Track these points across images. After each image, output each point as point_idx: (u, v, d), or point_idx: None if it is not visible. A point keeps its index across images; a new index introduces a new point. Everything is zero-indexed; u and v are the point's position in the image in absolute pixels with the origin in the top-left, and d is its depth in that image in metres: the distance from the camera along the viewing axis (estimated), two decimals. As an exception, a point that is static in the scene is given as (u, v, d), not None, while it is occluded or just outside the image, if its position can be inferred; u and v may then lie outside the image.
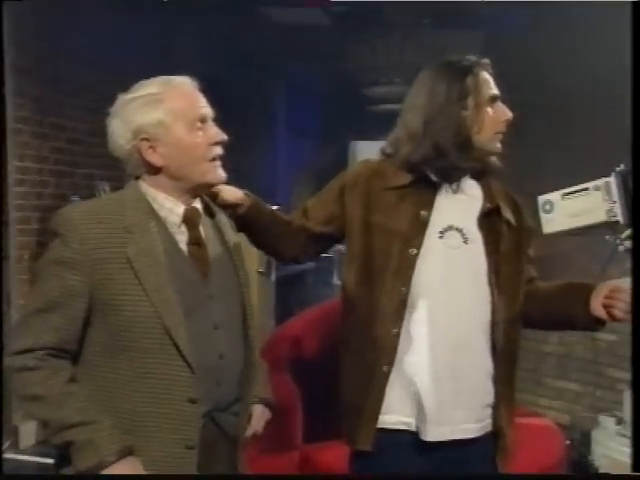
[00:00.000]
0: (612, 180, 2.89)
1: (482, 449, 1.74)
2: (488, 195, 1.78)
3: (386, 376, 1.69)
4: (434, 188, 1.75)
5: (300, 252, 1.91)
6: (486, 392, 1.73)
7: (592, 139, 3.96)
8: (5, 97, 3.77)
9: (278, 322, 4.16)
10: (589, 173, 3.14)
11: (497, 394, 1.74)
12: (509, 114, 1.74)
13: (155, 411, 1.46)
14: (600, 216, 2.98)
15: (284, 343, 2.81)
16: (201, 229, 1.58)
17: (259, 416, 1.72)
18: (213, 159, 1.54)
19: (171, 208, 1.53)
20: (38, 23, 3.99)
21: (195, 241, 1.55)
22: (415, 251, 1.69)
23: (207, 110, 1.54)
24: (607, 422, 3.39)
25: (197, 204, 1.58)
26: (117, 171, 1.63)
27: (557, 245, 3.64)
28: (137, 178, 1.55)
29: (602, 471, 3.21)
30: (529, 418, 3.09)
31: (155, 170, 1.52)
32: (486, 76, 1.75)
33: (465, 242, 1.71)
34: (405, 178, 1.75)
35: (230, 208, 1.73)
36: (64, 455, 1.47)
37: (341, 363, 1.80)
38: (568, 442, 3.32)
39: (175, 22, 5.05)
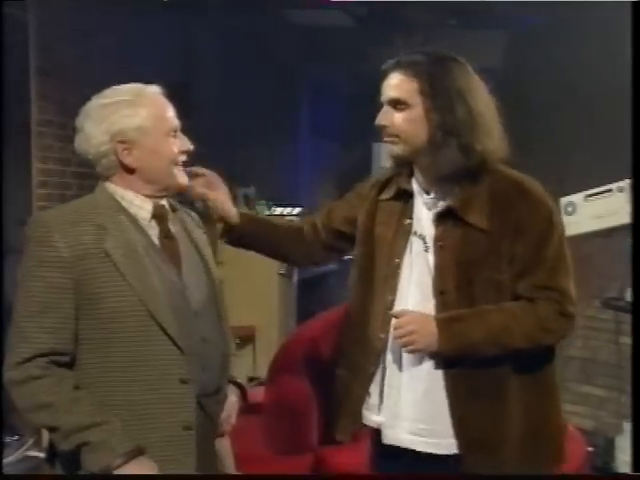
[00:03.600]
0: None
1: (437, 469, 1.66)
2: (456, 197, 1.67)
3: (370, 377, 1.74)
4: (411, 196, 1.75)
5: (315, 255, 1.99)
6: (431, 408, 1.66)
7: (616, 140, 3.89)
8: (31, 100, 3.83)
9: (300, 324, 4.15)
10: (613, 174, 3.09)
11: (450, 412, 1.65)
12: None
13: (150, 397, 1.50)
14: (624, 218, 2.93)
15: (301, 345, 2.81)
16: (169, 224, 1.65)
17: (232, 404, 1.74)
18: (179, 165, 1.64)
19: (140, 205, 1.61)
20: (62, 27, 4.03)
21: (166, 234, 1.63)
22: (398, 260, 1.72)
23: (177, 121, 1.64)
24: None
25: (164, 202, 1.66)
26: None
27: (580, 247, 3.57)
28: (106, 179, 1.61)
29: (626, 478, 3.14)
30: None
31: (129, 171, 1.59)
32: (389, 80, 1.73)
33: (426, 250, 1.70)
34: (392, 190, 1.78)
35: (222, 220, 1.85)
36: (54, 455, 1.50)
37: (338, 360, 1.88)
38: (591, 448, 3.26)
39: (197, 24, 5.07)
